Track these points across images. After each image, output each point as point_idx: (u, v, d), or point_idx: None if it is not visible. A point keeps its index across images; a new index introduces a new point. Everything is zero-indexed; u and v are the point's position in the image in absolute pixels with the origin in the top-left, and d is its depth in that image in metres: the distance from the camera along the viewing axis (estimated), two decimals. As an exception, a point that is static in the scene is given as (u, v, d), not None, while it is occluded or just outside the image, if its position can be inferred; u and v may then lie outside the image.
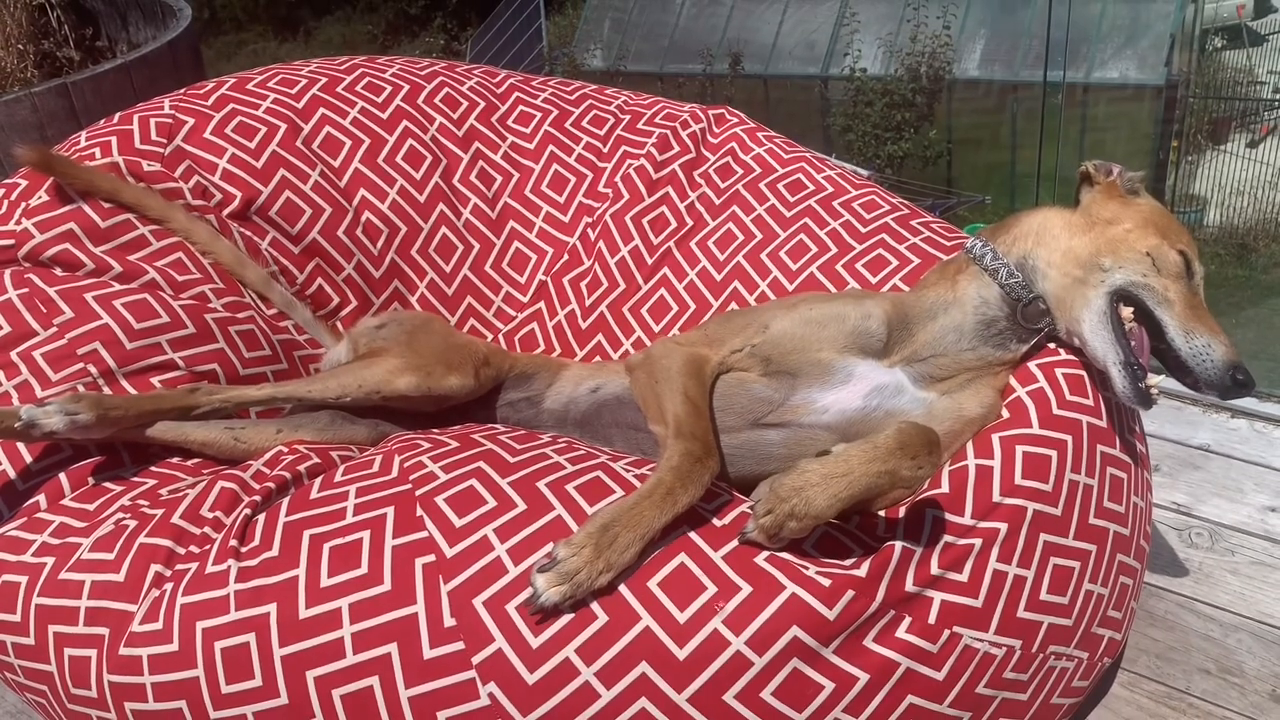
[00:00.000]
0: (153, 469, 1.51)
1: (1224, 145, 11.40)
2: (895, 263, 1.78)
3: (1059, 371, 1.47)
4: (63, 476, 1.48)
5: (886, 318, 1.49)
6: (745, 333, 1.52)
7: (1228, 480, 2.18)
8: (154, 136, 1.93)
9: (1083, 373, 1.47)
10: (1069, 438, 1.40)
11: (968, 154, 11.34)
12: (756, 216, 1.98)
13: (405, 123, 2.15)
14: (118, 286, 1.69)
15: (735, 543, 1.24)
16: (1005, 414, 1.43)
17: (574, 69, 13.30)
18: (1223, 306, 9.95)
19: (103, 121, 1.97)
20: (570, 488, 1.29)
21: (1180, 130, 10.87)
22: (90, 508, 1.43)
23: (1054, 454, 1.38)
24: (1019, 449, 1.37)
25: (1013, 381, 1.47)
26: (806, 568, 1.23)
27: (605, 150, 2.20)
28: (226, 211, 1.93)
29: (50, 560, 1.35)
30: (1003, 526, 1.31)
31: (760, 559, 1.23)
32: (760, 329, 1.51)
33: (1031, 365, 1.49)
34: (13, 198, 1.78)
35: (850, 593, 1.22)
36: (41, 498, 1.45)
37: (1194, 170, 11.24)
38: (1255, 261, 10.35)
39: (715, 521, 1.27)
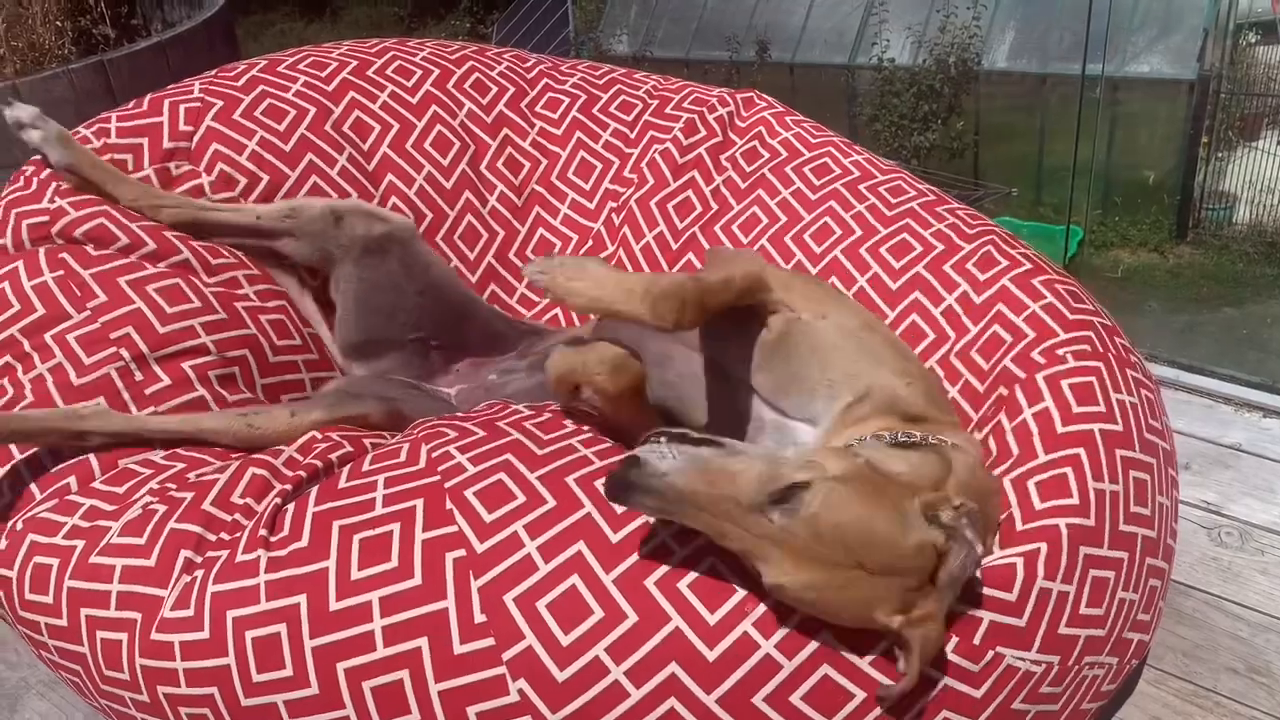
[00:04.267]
0: (180, 452, 1.52)
1: (1256, 142, 11.27)
2: (920, 248, 1.78)
3: (1064, 383, 1.48)
4: (92, 458, 1.48)
5: None
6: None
7: (1259, 480, 2.17)
8: (182, 126, 1.92)
9: (1091, 380, 1.47)
10: (1080, 450, 1.40)
11: (995, 146, 11.26)
12: (781, 200, 1.97)
13: (434, 108, 2.14)
14: (150, 269, 1.70)
15: None
16: (1015, 449, 1.44)
17: (600, 54, 13.26)
18: (1251, 305, 9.87)
19: (132, 104, 1.96)
20: (599, 484, 1.29)
21: (1211, 126, 10.76)
22: (119, 491, 1.43)
23: (1069, 470, 1.38)
24: (1030, 484, 1.38)
25: (1020, 397, 1.48)
26: None
27: (632, 136, 2.19)
28: (252, 197, 1.92)
29: (80, 544, 1.36)
30: (1042, 546, 1.31)
31: None
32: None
33: (1039, 377, 1.50)
34: (43, 176, 1.78)
35: None
36: (72, 479, 1.46)
37: (1224, 167, 11.12)
38: (1286, 261, 10.25)
39: None
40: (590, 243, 2.14)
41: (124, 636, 1.29)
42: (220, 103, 1.97)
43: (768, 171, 2.02)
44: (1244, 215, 10.89)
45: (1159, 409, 1.58)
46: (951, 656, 1.23)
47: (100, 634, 1.31)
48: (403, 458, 1.39)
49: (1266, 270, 10.13)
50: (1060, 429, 1.43)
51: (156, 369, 1.61)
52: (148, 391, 1.57)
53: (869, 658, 1.20)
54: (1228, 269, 10.29)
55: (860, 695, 1.19)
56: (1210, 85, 10.71)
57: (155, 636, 1.27)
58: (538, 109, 2.23)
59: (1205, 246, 10.71)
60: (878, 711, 1.19)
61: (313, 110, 2.03)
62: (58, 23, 3.60)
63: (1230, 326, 9.16)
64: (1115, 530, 1.37)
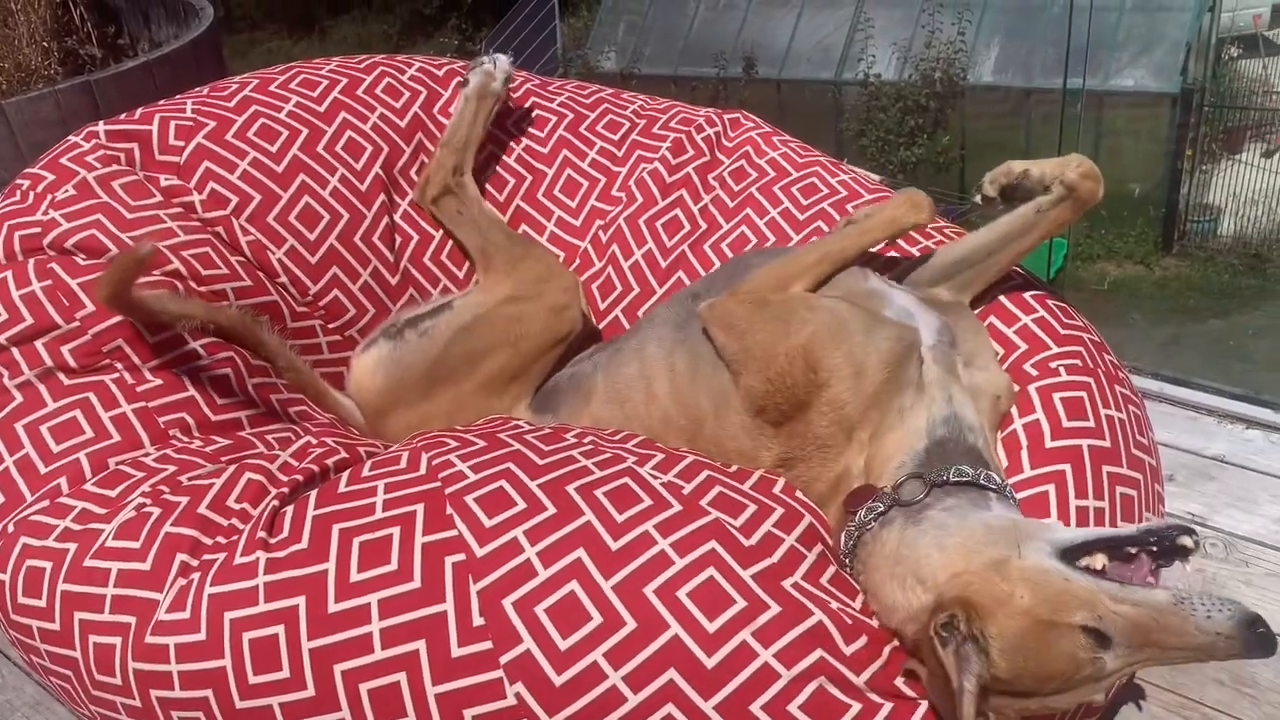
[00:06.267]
0: (171, 454, 1.52)
1: (1239, 155, 11.39)
2: (906, 265, 1.79)
3: (1056, 396, 1.51)
4: (83, 458, 1.48)
5: None
6: None
7: (1242, 491, 2.19)
8: (172, 141, 1.91)
9: (1082, 394, 1.51)
10: (1067, 466, 1.44)
11: (981, 160, 11.35)
12: (770, 219, 1.99)
13: (420, 135, 2.12)
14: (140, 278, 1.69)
15: (764, 564, 1.26)
16: (1002, 456, 1.47)
17: (588, 71, 13.32)
18: (1237, 316, 9.96)
19: (124, 116, 1.96)
20: (599, 494, 1.31)
21: (1195, 139, 10.87)
22: (111, 494, 1.43)
23: (1051, 487, 1.42)
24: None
25: (1013, 410, 1.53)
26: (830, 602, 1.26)
27: (620, 154, 2.19)
28: (243, 216, 1.91)
29: (73, 546, 1.37)
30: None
31: (787, 583, 1.25)
32: None
33: (1030, 389, 1.53)
34: (39, 190, 1.78)
35: (864, 638, 1.25)
36: (63, 481, 1.46)
37: (1208, 180, 11.23)
38: (1269, 272, 10.35)
39: (743, 541, 1.29)
40: (578, 260, 2.14)
41: (118, 640, 1.29)
42: (212, 123, 1.95)
43: (756, 191, 2.04)
44: (1228, 227, 10.99)
45: (1145, 425, 1.60)
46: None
47: (93, 638, 1.31)
48: (403, 464, 1.40)
49: (1251, 282, 10.23)
50: (1049, 443, 1.46)
51: (150, 377, 1.60)
52: (139, 389, 1.58)
53: (865, 675, 1.22)
54: (1213, 281, 10.38)
55: (856, 707, 1.20)
56: (1194, 99, 10.81)
57: (150, 640, 1.27)
58: (523, 126, 2.23)
59: (1191, 258, 10.81)
60: None
61: (305, 131, 2.01)
62: (44, 43, 3.59)
63: (1217, 338, 9.23)
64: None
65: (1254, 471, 2.25)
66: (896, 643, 1.29)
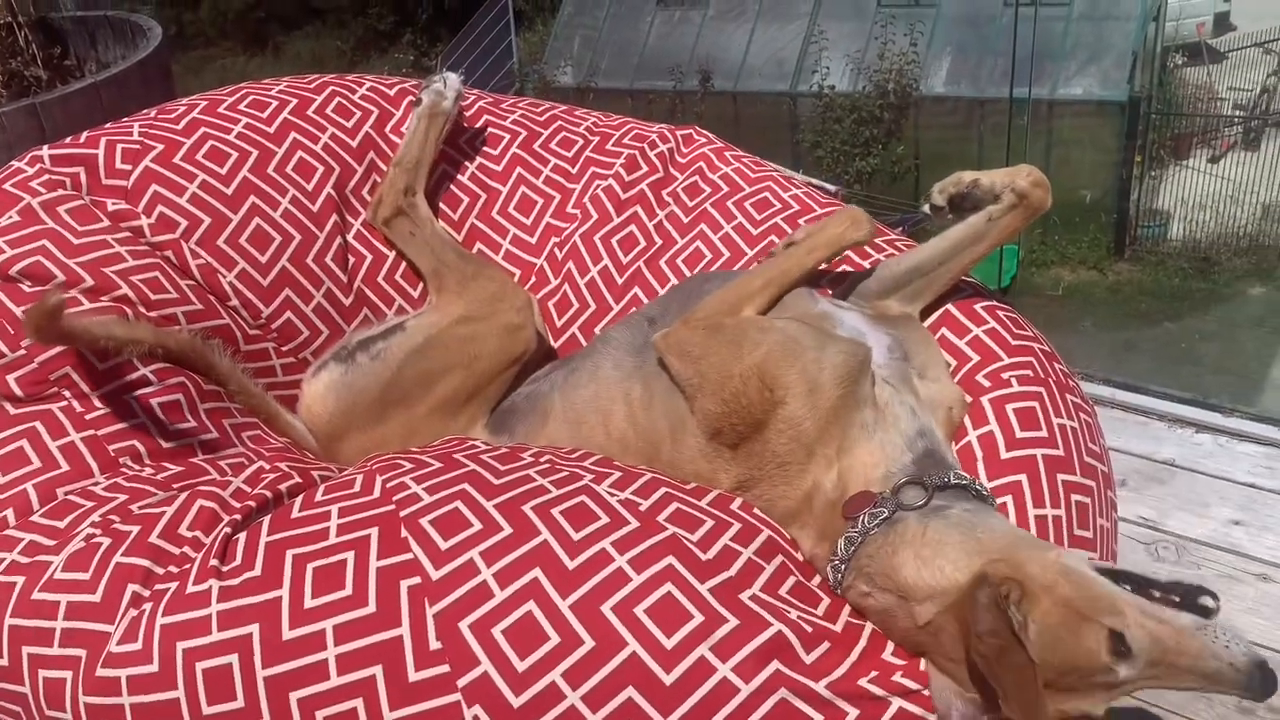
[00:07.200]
0: (122, 483, 1.49)
1: (1186, 161, 11.64)
2: (855, 276, 1.81)
3: (1009, 407, 1.53)
4: (30, 489, 1.45)
5: None
6: None
7: (1192, 495, 2.22)
8: (119, 165, 1.88)
9: (1034, 404, 1.53)
10: (1023, 476, 1.46)
11: (935, 170, 11.50)
12: (724, 234, 2.00)
13: (371, 154, 2.11)
14: (86, 304, 1.66)
15: (721, 577, 1.26)
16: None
17: (544, 86, 13.35)
18: (1188, 320, 10.15)
19: (69, 140, 1.93)
20: (555, 512, 1.30)
21: (1143, 146, 11.08)
22: (60, 525, 1.41)
23: (1009, 498, 1.44)
24: None
25: (967, 422, 1.55)
26: (789, 612, 1.26)
27: (574, 172, 2.19)
28: (193, 239, 1.88)
29: (21, 580, 1.34)
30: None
31: (745, 596, 1.26)
32: None
33: (984, 400, 1.55)
34: (-17, 217, 1.75)
35: (826, 644, 1.25)
36: (9, 512, 1.43)
37: (1157, 185, 11.46)
38: (1217, 275, 10.56)
39: (700, 555, 1.29)
40: (534, 278, 2.14)
41: (68, 674, 1.27)
42: (160, 146, 1.93)
43: (709, 206, 2.05)
44: (1178, 232, 11.22)
45: (1097, 432, 1.63)
46: (904, 680, 1.26)
47: (43, 672, 1.28)
48: (357, 488, 1.39)
49: (1200, 285, 10.43)
50: (1004, 454, 1.48)
51: (99, 404, 1.58)
52: (88, 417, 1.56)
53: (827, 681, 1.22)
54: (1165, 285, 10.58)
55: (818, 717, 1.20)
56: (1141, 107, 11.01)
57: (101, 672, 1.25)
58: (478, 144, 2.23)
59: (1142, 263, 11.02)
60: None
61: (255, 153, 1.99)
62: (-13, 66, 3.53)
63: (1168, 342, 9.39)
64: (1059, 554, 1.41)
65: (1203, 475, 2.29)
66: (865, 645, 1.29)
